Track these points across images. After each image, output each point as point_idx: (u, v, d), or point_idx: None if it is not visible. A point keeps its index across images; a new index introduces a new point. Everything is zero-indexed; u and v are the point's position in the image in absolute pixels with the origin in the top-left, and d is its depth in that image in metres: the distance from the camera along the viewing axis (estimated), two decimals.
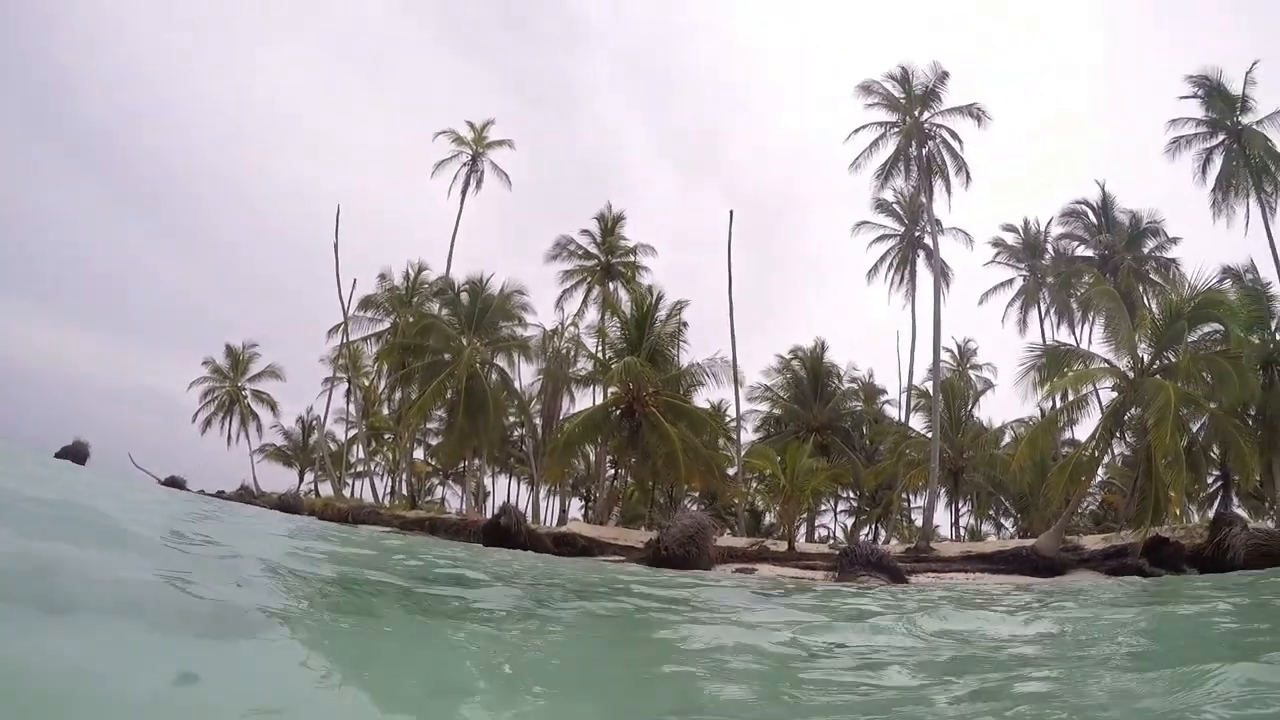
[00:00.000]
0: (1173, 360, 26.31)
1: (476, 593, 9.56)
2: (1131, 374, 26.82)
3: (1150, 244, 43.81)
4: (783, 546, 31.83)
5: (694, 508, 56.42)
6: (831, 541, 40.10)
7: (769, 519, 58.41)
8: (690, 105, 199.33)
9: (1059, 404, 33.90)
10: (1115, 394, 27.98)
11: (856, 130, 40.71)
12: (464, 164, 54.22)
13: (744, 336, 42.85)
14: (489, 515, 47.76)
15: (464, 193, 53.43)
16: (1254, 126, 37.54)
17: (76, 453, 41.11)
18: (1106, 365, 27.78)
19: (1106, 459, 34.19)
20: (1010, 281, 50.29)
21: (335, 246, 51.60)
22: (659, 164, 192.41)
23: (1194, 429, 28.54)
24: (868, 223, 48.83)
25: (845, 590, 15.24)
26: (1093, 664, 6.37)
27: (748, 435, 46.79)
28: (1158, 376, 25.92)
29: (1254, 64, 37.18)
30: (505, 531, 29.12)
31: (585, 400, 50.10)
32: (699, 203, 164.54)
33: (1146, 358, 26.80)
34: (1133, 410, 26.75)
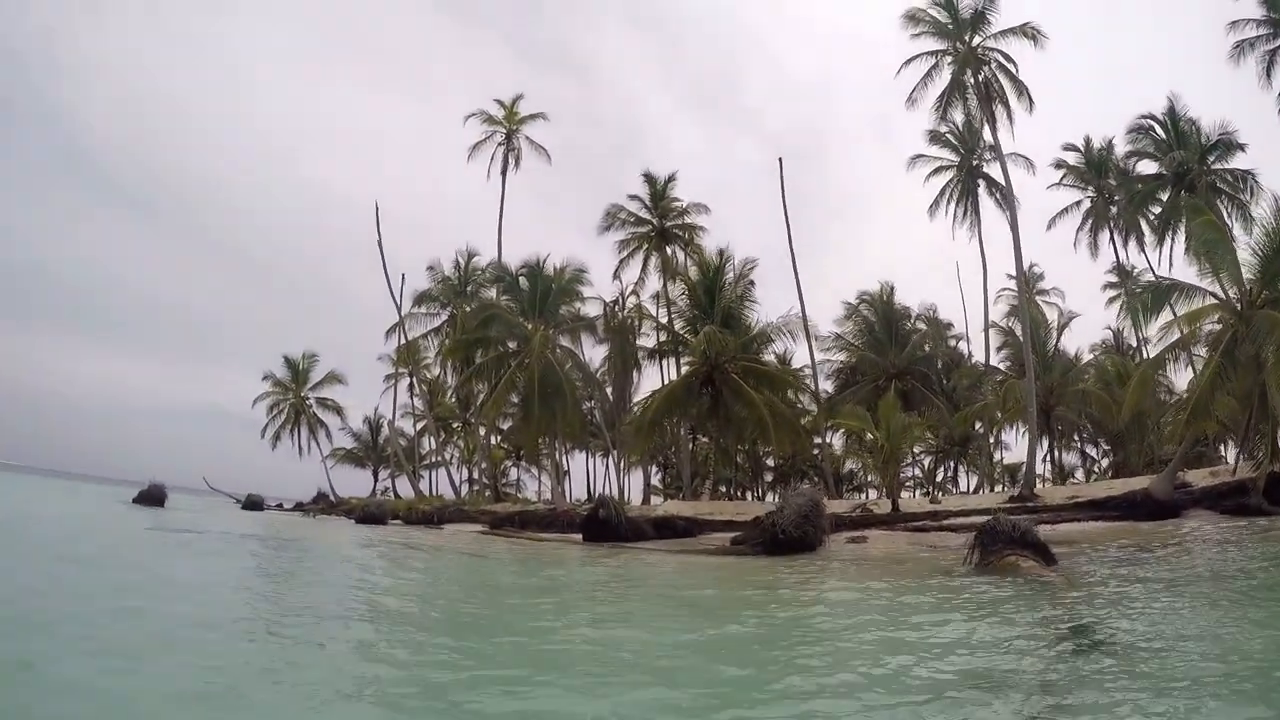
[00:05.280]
0: None
1: None
2: (1239, 305, 26.07)
3: (1221, 155, 42.44)
4: (883, 507, 31.56)
5: (770, 461, 56.69)
6: (932, 497, 39.67)
7: (848, 467, 58.40)
8: (703, 53, 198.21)
9: (1154, 339, 33.14)
10: (1220, 328, 27.18)
11: (907, 62, 39.35)
12: (499, 144, 53.90)
13: (784, 281, 42.42)
14: (569, 496, 48.25)
15: (504, 173, 53.25)
16: None
17: (154, 496, 42.05)
18: (1216, 300, 26.86)
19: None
20: (1078, 204, 49.07)
21: (379, 244, 51.92)
22: (678, 117, 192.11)
23: None
24: (923, 156, 48.12)
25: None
26: None
27: (823, 386, 46.40)
28: (1266, 309, 25.10)
29: None
30: (605, 524, 29.02)
31: (651, 370, 50.13)
32: (722, 152, 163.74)
33: (1254, 289, 25.94)
34: (1242, 344, 25.91)
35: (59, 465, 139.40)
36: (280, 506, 61.66)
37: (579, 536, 29.87)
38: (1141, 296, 32.10)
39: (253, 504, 55.35)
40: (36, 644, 6.84)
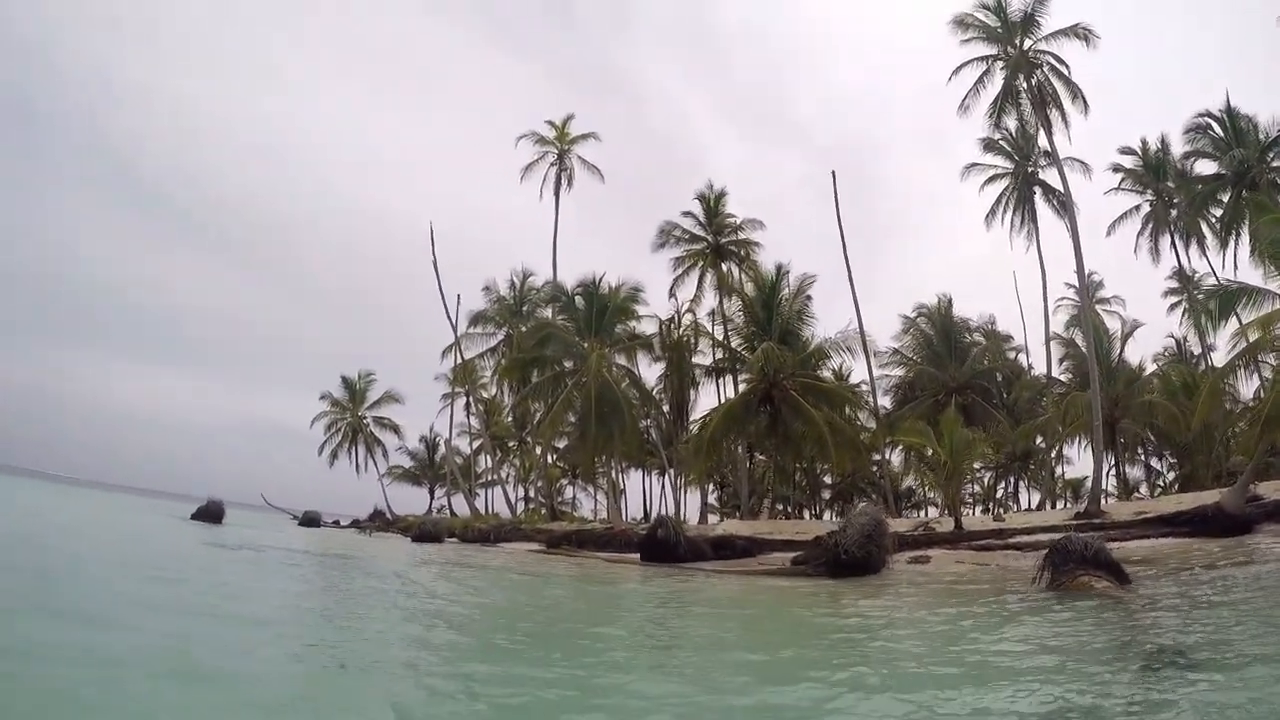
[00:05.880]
0: None
1: None
2: None
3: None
4: (945, 525, 31.21)
5: (827, 479, 56.47)
6: (996, 514, 39.13)
7: (905, 484, 57.96)
8: (750, 69, 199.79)
9: (1222, 346, 32.60)
10: None
11: (957, 69, 38.77)
12: (551, 164, 54.51)
13: (837, 296, 41.99)
14: (625, 515, 48.40)
15: (557, 193, 53.74)
16: None
17: (212, 513, 42.20)
18: None
19: None
20: (1136, 208, 48.49)
21: (434, 264, 52.46)
22: (726, 133, 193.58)
23: None
24: (977, 164, 47.86)
25: None
26: None
27: (880, 401, 46.13)
28: None
29: None
30: (663, 544, 28.93)
31: (707, 387, 50.26)
32: (770, 167, 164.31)
33: None
34: None
35: (122, 480, 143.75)
36: (337, 523, 62.55)
37: (636, 556, 29.73)
38: (1207, 303, 31.50)
39: (309, 521, 56.22)
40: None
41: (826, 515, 55.19)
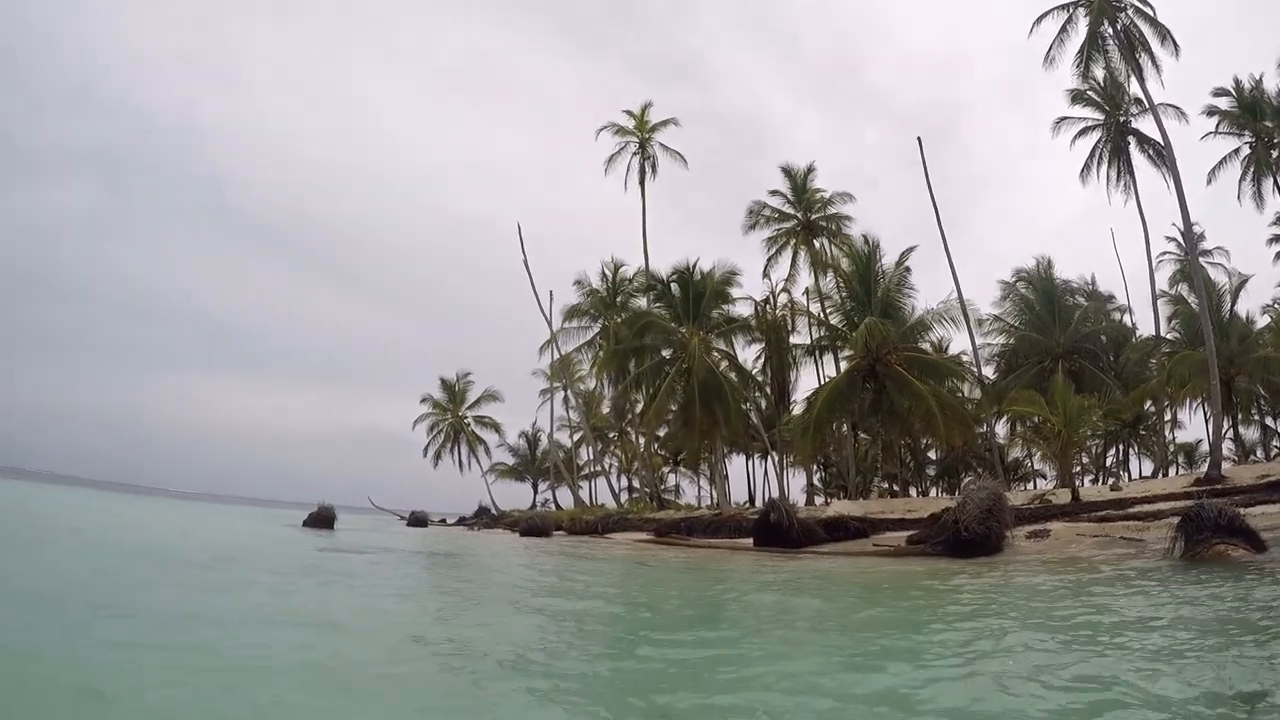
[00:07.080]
0: None
1: None
2: None
3: None
4: (1060, 496, 30.85)
5: (932, 454, 56.35)
6: (1113, 484, 38.63)
7: (1012, 455, 57.52)
8: (820, 41, 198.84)
9: None
10: None
11: (1039, 19, 37.85)
12: (633, 154, 55.18)
13: (927, 263, 41.56)
14: (732, 500, 48.98)
15: (642, 182, 54.34)
16: None
17: (324, 518, 42.18)
18: None
19: None
20: (1236, 152, 47.13)
21: (525, 263, 53.89)
22: (802, 108, 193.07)
23: None
24: (1067, 118, 46.82)
25: None
26: None
27: (983, 371, 45.91)
28: None
29: None
30: (777, 528, 29.24)
31: (807, 366, 50.55)
32: (848, 138, 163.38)
33: None
34: None
35: (232, 491, 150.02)
36: (444, 521, 64.09)
37: (748, 541, 29.87)
38: None
39: (417, 520, 57.59)
40: None
41: (933, 492, 55.12)
